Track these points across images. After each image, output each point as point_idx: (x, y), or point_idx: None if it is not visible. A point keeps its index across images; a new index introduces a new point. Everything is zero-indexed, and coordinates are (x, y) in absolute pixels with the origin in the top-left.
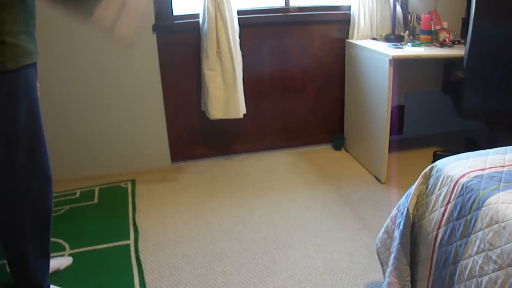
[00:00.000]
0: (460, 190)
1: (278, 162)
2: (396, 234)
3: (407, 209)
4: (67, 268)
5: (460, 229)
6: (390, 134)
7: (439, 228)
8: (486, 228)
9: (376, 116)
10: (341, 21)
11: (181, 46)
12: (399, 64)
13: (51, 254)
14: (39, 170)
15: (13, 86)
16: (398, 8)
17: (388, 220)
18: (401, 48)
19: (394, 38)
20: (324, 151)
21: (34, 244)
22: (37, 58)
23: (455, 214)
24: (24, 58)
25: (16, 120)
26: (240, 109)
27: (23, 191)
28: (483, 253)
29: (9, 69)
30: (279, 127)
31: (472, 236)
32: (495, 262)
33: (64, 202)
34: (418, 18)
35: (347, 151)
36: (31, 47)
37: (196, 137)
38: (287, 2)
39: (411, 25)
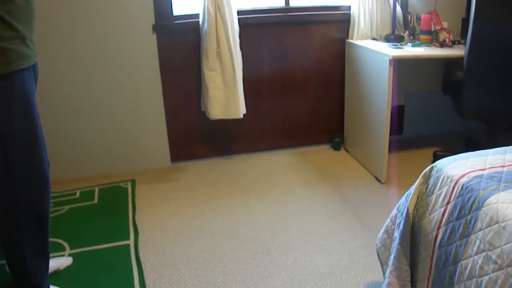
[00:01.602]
0: (460, 190)
1: (278, 162)
2: (396, 234)
3: (407, 209)
4: (67, 268)
5: (460, 229)
6: (390, 134)
7: (439, 228)
8: (486, 228)
9: (376, 116)
10: (341, 21)
11: (181, 46)
12: (399, 64)
13: (51, 254)
14: (36, 173)
15: (7, 91)
16: (398, 8)
17: (388, 220)
18: (401, 48)
19: (394, 38)
20: (323, 151)
21: (33, 245)
22: (35, 60)
23: (455, 214)
24: (19, 62)
25: (12, 124)
26: (240, 109)
27: (20, 193)
28: (483, 253)
29: (2, 74)
30: (279, 127)
31: (472, 236)
32: (495, 262)
33: (64, 202)
34: (418, 18)
35: (347, 151)
36: (27, 51)
37: (196, 137)
38: (287, 2)
39: (411, 25)
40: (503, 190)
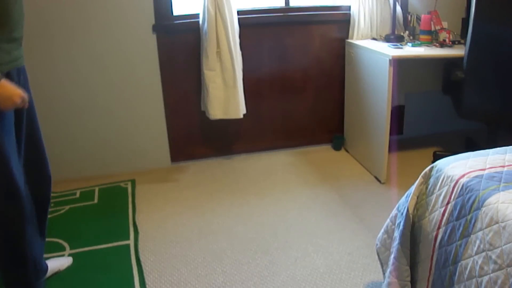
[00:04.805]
0: (460, 190)
1: (278, 162)
2: (396, 234)
3: (407, 209)
4: (67, 268)
5: (460, 229)
6: (390, 134)
7: (439, 228)
8: (486, 228)
9: (376, 116)
10: (341, 21)
11: (181, 46)
12: (399, 64)
13: (51, 254)
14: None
15: None
16: (398, 8)
17: (388, 220)
18: (401, 48)
19: (394, 38)
20: (324, 151)
21: (32, 223)
22: (15, 65)
23: (455, 214)
24: None
25: None
26: (240, 109)
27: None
28: (483, 253)
29: None
30: (279, 127)
31: (472, 236)
32: (495, 262)
33: (64, 202)
34: (418, 18)
35: (347, 151)
36: (3, 56)
37: (196, 137)
38: (287, 2)
39: (411, 25)
40: (503, 190)
